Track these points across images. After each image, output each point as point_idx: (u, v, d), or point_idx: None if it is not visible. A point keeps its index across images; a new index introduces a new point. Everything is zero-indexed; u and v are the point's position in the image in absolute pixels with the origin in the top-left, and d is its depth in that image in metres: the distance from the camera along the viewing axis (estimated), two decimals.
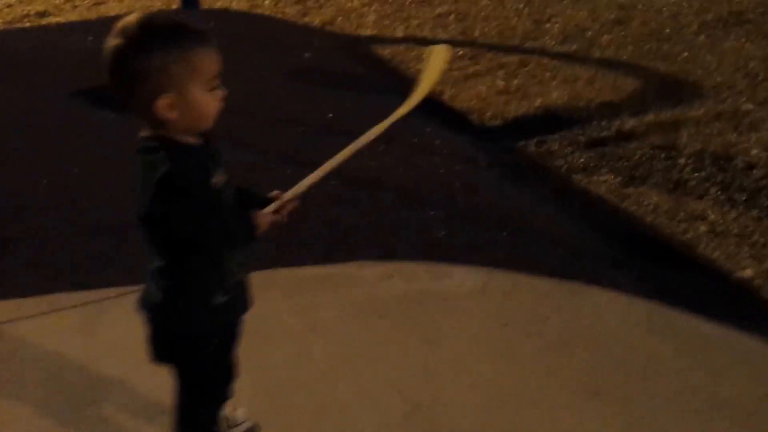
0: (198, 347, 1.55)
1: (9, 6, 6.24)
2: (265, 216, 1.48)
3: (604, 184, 3.16)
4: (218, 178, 1.44)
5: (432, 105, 4.10)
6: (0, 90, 4.28)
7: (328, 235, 2.76)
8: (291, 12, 5.97)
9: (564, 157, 3.38)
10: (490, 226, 2.81)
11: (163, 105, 1.34)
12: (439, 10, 5.75)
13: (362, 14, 5.86)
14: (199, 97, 1.36)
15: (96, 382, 2.05)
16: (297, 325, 2.27)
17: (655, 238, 2.80)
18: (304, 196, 1.56)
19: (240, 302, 1.61)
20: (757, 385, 1.99)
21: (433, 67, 1.79)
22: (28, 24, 5.81)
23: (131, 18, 1.35)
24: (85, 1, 6.23)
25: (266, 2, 6.19)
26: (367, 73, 4.63)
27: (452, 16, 5.62)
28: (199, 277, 1.47)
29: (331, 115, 3.80)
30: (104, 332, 2.23)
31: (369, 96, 4.01)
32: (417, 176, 3.19)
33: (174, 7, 5.98)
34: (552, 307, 2.32)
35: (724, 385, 1.99)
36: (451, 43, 5.03)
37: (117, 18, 1.39)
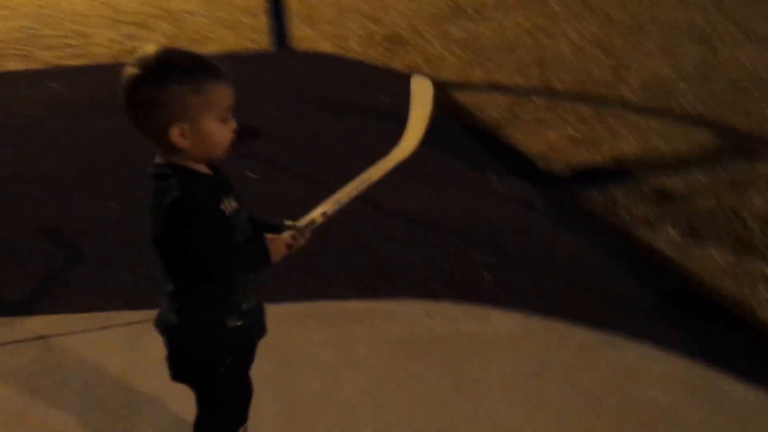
0: (211, 369, 1.61)
1: (113, 42, 6.58)
2: (278, 241, 1.53)
3: (664, 237, 3.10)
4: (228, 205, 1.50)
5: (498, 148, 4.12)
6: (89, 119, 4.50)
7: (375, 270, 2.80)
8: (377, 55, 6.11)
9: (627, 208, 3.34)
10: (537, 271, 2.79)
11: (176, 134, 1.41)
12: (519, 56, 5.79)
13: (444, 59, 5.94)
14: (211, 128, 1.43)
15: (132, 398, 2.12)
16: (330, 357, 2.30)
17: (710, 297, 2.73)
18: (322, 226, 1.61)
19: (257, 327, 1.66)
20: None
21: (420, 101, 1.83)
22: None
23: (150, 49, 1.42)
24: (183, 40, 6.52)
25: (354, 46, 6.36)
26: (443, 117, 4.68)
27: (532, 62, 5.64)
28: (210, 301, 1.53)
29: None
30: (146, 350, 2.31)
31: (442, 141, 4.05)
32: (471, 217, 3.20)
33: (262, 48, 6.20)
34: (588, 359, 2.28)
35: None
36: (528, 90, 5.08)
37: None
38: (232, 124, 1.48)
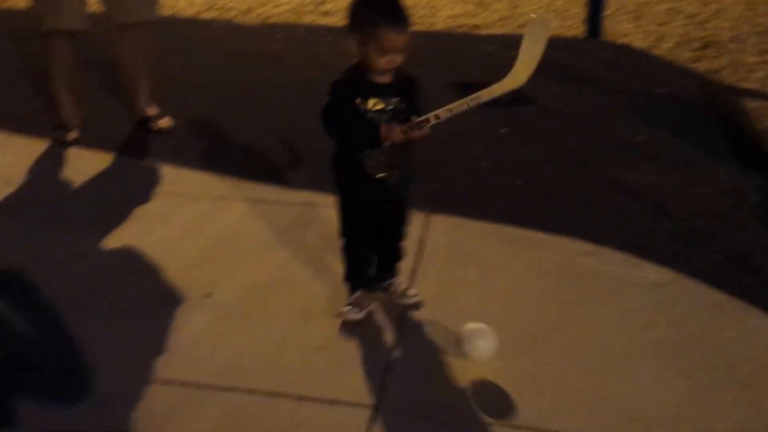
0: (338, 194, 2.64)
1: (454, 17, 7.52)
2: (392, 129, 2.32)
3: None
4: (366, 102, 2.42)
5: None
6: None
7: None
8: (685, 57, 6.37)
9: None
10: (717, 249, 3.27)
11: (352, 46, 2.36)
12: None
13: (755, 70, 6.05)
14: (371, 56, 2.34)
15: None
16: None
17: None
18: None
19: (380, 190, 2.58)
20: None
21: (534, 39, 2.44)
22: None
23: None
24: (514, 22, 7.26)
25: (668, 46, 6.65)
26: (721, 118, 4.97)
27: None
28: (343, 160, 2.53)
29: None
30: None
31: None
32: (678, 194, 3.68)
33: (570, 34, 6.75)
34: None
35: None
36: None
37: None
38: (390, 59, 2.36)
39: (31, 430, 2.32)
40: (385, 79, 2.47)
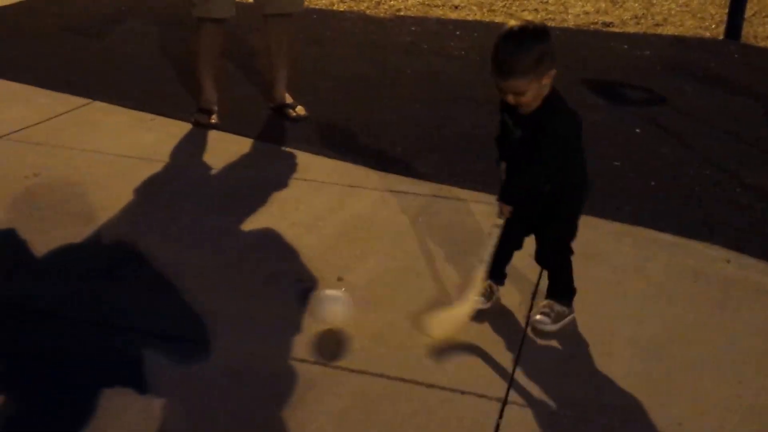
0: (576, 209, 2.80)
1: (586, 13, 7.42)
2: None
3: None
4: (507, 118, 2.61)
5: None
6: None
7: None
8: None
9: None
10: None
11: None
12: None
13: None
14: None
15: None
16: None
17: None
18: None
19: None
20: None
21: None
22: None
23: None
24: (648, 21, 7.09)
25: None
26: None
27: None
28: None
29: None
30: None
31: None
32: None
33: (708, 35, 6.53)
34: None
35: None
36: None
37: None
38: (512, 98, 2.51)
39: (170, 397, 2.43)
40: (524, 111, 2.58)
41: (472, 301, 2.70)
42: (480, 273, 2.69)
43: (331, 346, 2.67)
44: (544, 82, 2.48)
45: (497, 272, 2.84)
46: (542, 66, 2.45)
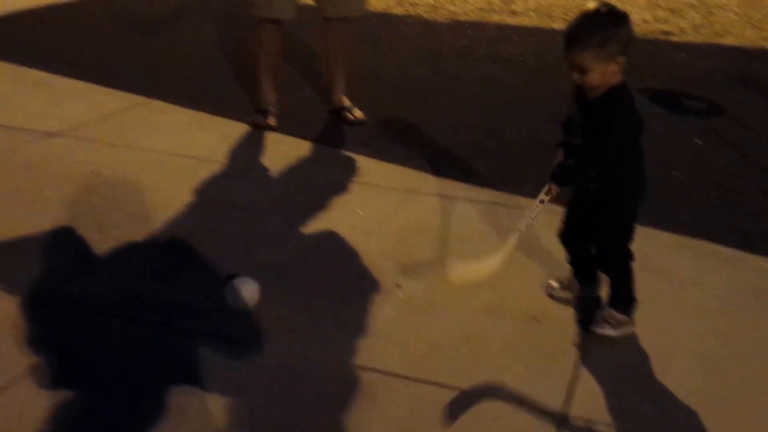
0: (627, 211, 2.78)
1: (645, 22, 7.33)
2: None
3: None
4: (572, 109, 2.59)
5: None
6: None
7: None
8: None
9: None
10: None
11: None
12: None
13: None
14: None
15: None
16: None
17: None
18: None
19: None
20: None
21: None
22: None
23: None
24: (708, 30, 6.98)
25: None
26: None
27: None
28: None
29: None
30: None
31: None
32: None
33: None
34: None
35: None
36: None
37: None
38: (573, 74, 2.50)
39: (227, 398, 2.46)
40: (588, 95, 2.56)
41: (498, 259, 2.70)
42: (512, 240, 2.70)
43: (388, 352, 2.68)
44: (610, 68, 2.47)
45: (579, 273, 2.95)
46: (608, 48, 2.44)
